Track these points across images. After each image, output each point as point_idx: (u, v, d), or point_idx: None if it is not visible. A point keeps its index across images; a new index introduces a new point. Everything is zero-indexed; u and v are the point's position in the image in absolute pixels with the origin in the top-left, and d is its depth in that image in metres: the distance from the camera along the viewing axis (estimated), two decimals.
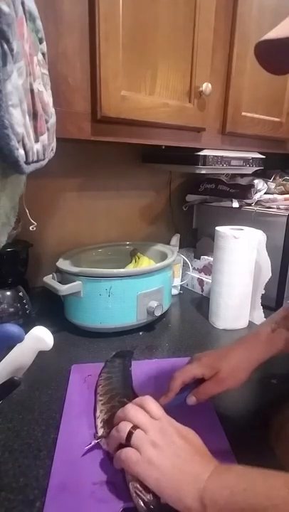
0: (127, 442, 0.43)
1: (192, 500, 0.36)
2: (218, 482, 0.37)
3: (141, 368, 0.68)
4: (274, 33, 0.36)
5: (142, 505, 0.38)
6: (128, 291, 0.80)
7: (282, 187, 1.09)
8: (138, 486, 0.39)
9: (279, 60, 0.40)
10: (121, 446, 0.43)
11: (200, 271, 1.12)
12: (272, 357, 0.58)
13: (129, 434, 0.43)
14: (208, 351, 0.60)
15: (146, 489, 0.39)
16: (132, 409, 0.46)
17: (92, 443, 0.50)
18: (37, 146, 0.46)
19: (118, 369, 0.66)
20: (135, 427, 0.44)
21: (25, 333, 0.43)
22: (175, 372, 0.57)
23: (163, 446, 0.41)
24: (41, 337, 0.45)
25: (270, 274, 0.89)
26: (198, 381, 0.56)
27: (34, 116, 0.45)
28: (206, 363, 0.56)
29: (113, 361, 0.69)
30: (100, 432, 0.51)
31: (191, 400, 0.54)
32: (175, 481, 0.38)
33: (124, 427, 0.44)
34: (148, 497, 0.39)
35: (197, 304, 1.04)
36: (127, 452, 0.42)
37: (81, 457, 0.48)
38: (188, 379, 0.56)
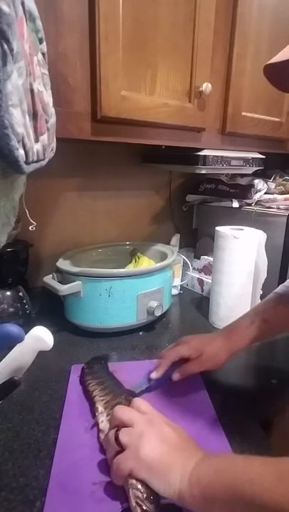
0: (118, 445, 0.43)
1: (180, 482, 0.38)
2: (204, 465, 0.39)
3: (142, 368, 0.68)
4: (280, 56, 0.40)
5: None
6: (128, 291, 0.80)
7: (282, 187, 1.09)
8: (139, 495, 0.39)
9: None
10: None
11: (200, 271, 1.12)
12: (251, 344, 0.65)
13: (116, 436, 0.43)
14: (195, 335, 0.68)
15: (147, 499, 0.39)
16: (119, 410, 0.47)
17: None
18: (37, 146, 0.46)
19: (104, 373, 0.65)
20: (120, 427, 0.45)
21: (25, 333, 0.44)
22: (165, 351, 0.66)
23: (150, 435, 0.43)
24: (41, 337, 0.45)
25: (266, 275, 0.89)
26: (182, 361, 0.64)
27: (34, 116, 0.45)
28: (193, 346, 0.64)
29: (91, 367, 0.67)
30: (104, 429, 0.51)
31: (176, 376, 0.62)
32: (164, 467, 0.40)
33: (111, 433, 0.45)
34: (148, 506, 0.38)
35: (197, 304, 1.04)
36: (117, 458, 0.42)
37: (81, 456, 0.48)
38: (176, 358, 0.64)
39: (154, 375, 0.63)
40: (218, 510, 0.36)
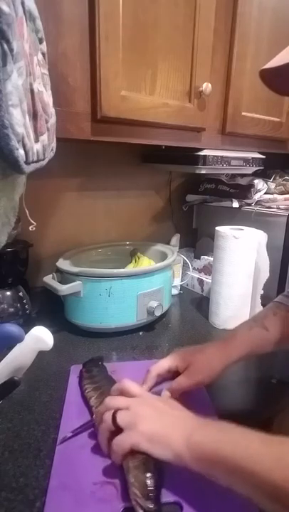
0: (115, 426, 0.44)
1: (180, 446, 0.40)
2: (203, 431, 0.41)
3: (143, 368, 0.68)
4: (276, 61, 0.40)
5: (141, 511, 0.38)
6: (128, 291, 0.80)
7: (282, 187, 1.09)
8: (138, 493, 0.39)
9: (285, 84, 0.43)
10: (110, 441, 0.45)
11: (200, 271, 1.12)
12: (249, 354, 0.59)
13: (114, 419, 0.44)
14: (187, 347, 0.62)
15: (146, 496, 0.39)
16: (110, 400, 0.48)
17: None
18: (37, 146, 0.46)
19: (102, 376, 0.64)
20: (117, 410, 0.45)
21: (25, 333, 0.44)
22: (151, 365, 0.59)
23: (146, 412, 0.45)
24: (41, 337, 0.45)
25: (268, 275, 0.89)
26: (176, 375, 0.57)
27: (34, 116, 0.45)
28: (180, 356, 0.58)
29: (90, 370, 0.66)
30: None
31: (165, 394, 0.56)
32: (164, 435, 0.42)
33: (108, 414, 0.46)
34: (148, 504, 0.39)
35: (197, 304, 1.04)
36: (116, 439, 0.43)
37: (81, 456, 0.48)
38: (162, 371, 0.57)
39: None
40: (217, 474, 0.38)
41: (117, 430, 0.44)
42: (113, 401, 0.48)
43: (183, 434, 0.41)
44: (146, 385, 0.57)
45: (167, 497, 0.42)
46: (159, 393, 0.56)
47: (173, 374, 0.58)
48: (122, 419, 0.44)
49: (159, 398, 0.48)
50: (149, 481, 0.40)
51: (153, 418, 0.44)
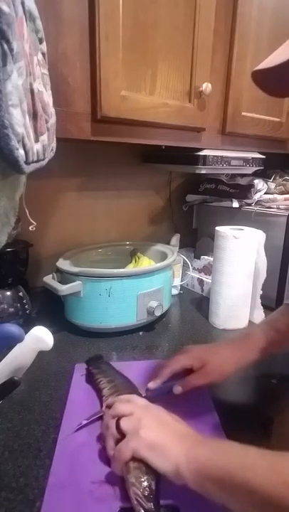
0: (119, 432, 0.45)
1: (178, 458, 0.40)
2: (202, 445, 0.41)
3: (142, 368, 0.68)
4: (266, 63, 0.39)
5: (142, 511, 0.38)
6: (128, 291, 0.80)
7: (282, 187, 1.09)
8: (139, 493, 0.40)
9: (276, 85, 0.42)
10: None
11: (200, 271, 1.12)
12: (262, 357, 0.60)
13: (118, 424, 0.45)
14: (200, 345, 0.64)
15: (147, 497, 0.39)
16: (117, 404, 0.49)
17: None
18: (37, 146, 0.46)
19: (113, 371, 0.65)
20: (120, 417, 0.46)
21: (25, 333, 0.44)
22: (165, 361, 0.61)
23: (148, 419, 0.45)
24: (41, 337, 0.45)
25: (265, 275, 0.89)
26: (186, 372, 0.58)
27: (34, 116, 0.45)
28: (196, 356, 0.59)
29: (99, 367, 0.66)
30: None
31: (178, 389, 0.57)
32: (163, 445, 0.42)
33: (112, 422, 0.47)
34: (149, 505, 0.39)
35: (197, 304, 1.04)
36: (119, 445, 0.44)
37: (80, 455, 0.48)
38: (177, 368, 0.59)
39: (151, 385, 0.59)
40: (211, 487, 0.37)
41: (122, 438, 0.45)
42: (119, 407, 0.48)
43: (182, 446, 0.41)
44: (161, 380, 0.59)
45: (164, 500, 0.41)
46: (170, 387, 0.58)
47: (185, 371, 0.59)
48: (125, 424, 0.45)
49: (162, 409, 0.48)
50: (150, 482, 0.40)
51: (155, 427, 0.44)
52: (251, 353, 0.60)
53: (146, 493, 0.39)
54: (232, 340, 0.63)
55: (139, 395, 0.56)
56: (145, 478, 0.41)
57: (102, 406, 0.57)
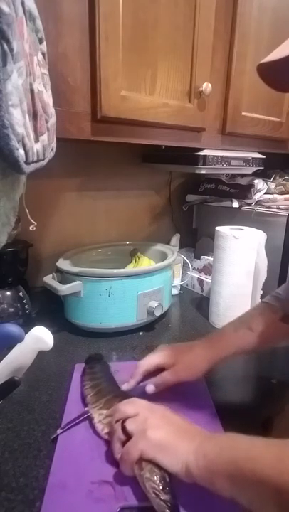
0: (125, 434, 0.45)
1: (187, 457, 0.40)
2: (210, 442, 0.41)
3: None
4: (273, 56, 0.39)
5: (162, 503, 0.39)
6: (128, 291, 0.80)
7: (282, 187, 1.09)
8: (157, 486, 0.40)
9: (282, 79, 0.42)
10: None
11: (200, 271, 1.12)
12: (235, 355, 0.60)
13: (124, 427, 0.45)
14: (174, 344, 0.64)
15: (165, 490, 0.40)
16: (121, 406, 0.49)
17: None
18: (37, 146, 0.46)
19: (102, 374, 0.64)
20: (125, 419, 0.46)
21: (25, 333, 0.44)
22: (139, 361, 0.61)
23: (155, 419, 0.45)
24: (41, 337, 0.45)
25: (266, 275, 0.89)
26: (161, 372, 0.58)
27: (34, 116, 0.45)
28: (167, 354, 0.60)
29: (92, 367, 0.67)
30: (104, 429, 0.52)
31: (150, 388, 0.58)
32: (171, 444, 0.42)
33: (117, 424, 0.46)
34: (167, 497, 0.39)
35: (197, 304, 1.04)
36: (126, 446, 0.43)
37: (80, 455, 0.48)
38: (150, 367, 0.59)
39: (125, 387, 0.59)
40: (220, 482, 0.37)
41: (128, 439, 0.44)
42: (122, 409, 0.48)
43: (191, 445, 0.41)
44: (134, 380, 0.59)
45: None
46: (143, 387, 0.58)
47: (159, 370, 0.59)
48: (131, 425, 0.45)
49: (167, 409, 0.48)
50: (164, 476, 0.41)
51: (162, 427, 0.44)
52: (223, 351, 0.60)
53: (162, 486, 0.40)
54: (205, 339, 0.63)
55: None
56: (159, 472, 0.41)
57: (85, 406, 0.57)
